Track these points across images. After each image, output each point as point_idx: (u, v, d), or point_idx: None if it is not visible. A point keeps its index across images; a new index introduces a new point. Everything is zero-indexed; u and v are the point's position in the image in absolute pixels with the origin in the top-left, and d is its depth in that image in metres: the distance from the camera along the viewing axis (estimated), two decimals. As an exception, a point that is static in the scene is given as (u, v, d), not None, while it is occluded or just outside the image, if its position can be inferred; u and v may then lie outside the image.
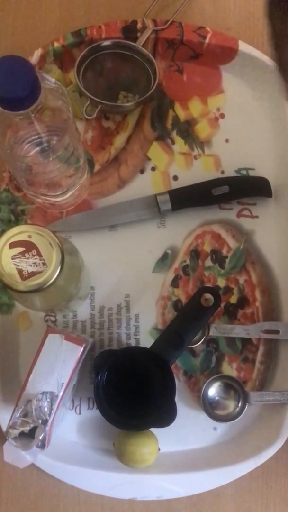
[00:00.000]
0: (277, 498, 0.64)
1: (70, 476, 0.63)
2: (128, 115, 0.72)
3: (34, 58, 0.70)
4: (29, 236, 0.48)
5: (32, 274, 0.47)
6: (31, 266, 0.47)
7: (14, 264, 0.47)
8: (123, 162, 0.71)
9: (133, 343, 0.67)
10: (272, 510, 0.64)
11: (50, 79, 0.51)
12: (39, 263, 0.47)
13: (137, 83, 0.71)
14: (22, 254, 0.47)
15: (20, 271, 0.47)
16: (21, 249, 0.47)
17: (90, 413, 0.66)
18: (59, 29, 0.74)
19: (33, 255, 0.47)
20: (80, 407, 0.66)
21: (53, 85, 0.51)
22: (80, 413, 0.66)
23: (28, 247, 0.47)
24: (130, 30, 0.71)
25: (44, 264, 0.47)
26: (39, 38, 0.74)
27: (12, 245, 0.47)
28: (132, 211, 0.68)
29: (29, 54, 0.70)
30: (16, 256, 0.47)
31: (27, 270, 0.47)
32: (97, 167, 0.71)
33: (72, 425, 0.65)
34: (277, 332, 0.65)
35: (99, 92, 0.69)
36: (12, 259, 0.47)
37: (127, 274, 0.68)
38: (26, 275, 0.47)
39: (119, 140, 0.71)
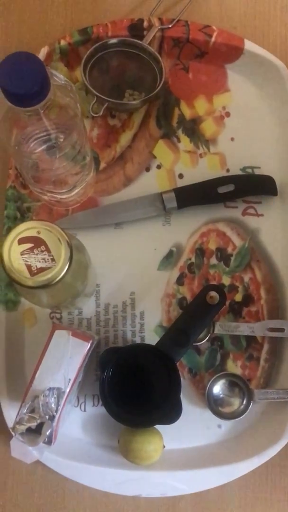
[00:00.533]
0: (281, 496, 0.65)
1: (75, 473, 0.63)
2: (134, 113, 0.72)
3: (40, 56, 0.70)
4: (38, 232, 0.48)
5: (41, 270, 0.47)
6: (39, 262, 0.47)
7: (23, 260, 0.47)
8: (129, 160, 0.71)
9: (138, 340, 0.67)
10: (276, 508, 0.64)
11: (59, 75, 0.51)
12: (47, 259, 0.47)
13: (143, 81, 0.71)
14: (31, 250, 0.47)
15: (28, 267, 0.47)
16: (30, 245, 0.47)
17: (95, 410, 0.66)
18: (65, 27, 0.74)
19: (42, 251, 0.47)
20: (85, 404, 0.66)
21: (62, 82, 0.51)
22: (85, 410, 0.66)
23: (37, 243, 0.47)
24: (136, 28, 0.71)
25: (52, 260, 0.47)
26: (45, 36, 0.74)
27: (21, 241, 0.47)
28: (138, 209, 0.68)
29: (35, 51, 0.70)
30: (25, 252, 0.47)
31: (36, 266, 0.47)
32: (102, 165, 0.71)
33: (77, 422, 0.66)
34: (282, 330, 0.65)
35: (105, 90, 0.69)
36: (21, 254, 0.47)
37: (132, 272, 0.68)
38: (35, 271, 0.47)
39: (125, 138, 0.71)
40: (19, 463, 0.63)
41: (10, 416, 0.62)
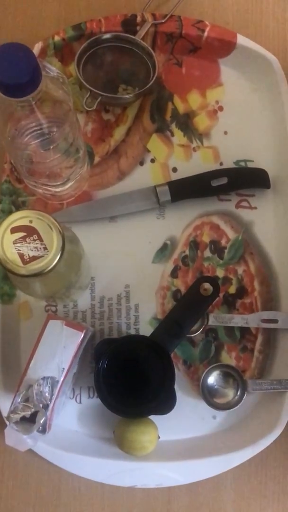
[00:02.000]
0: (274, 486, 0.65)
1: (71, 464, 0.63)
2: (127, 107, 0.72)
3: (34, 51, 0.69)
4: (30, 221, 0.48)
5: (34, 259, 0.47)
6: (32, 250, 0.47)
7: (16, 248, 0.47)
8: (123, 154, 0.71)
9: (132, 332, 0.67)
10: (270, 498, 0.65)
11: (51, 67, 0.51)
12: (40, 248, 0.47)
13: (136, 76, 0.72)
14: (23, 238, 0.48)
15: (21, 256, 0.47)
16: (22, 234, 0.48)
17: (91, 402, 0.66)
18: (59, 23, 0.75)
19: (34, 240, 0.48)
20: (80, 396, 0.66)
21: (54, 73, 0.52)
22: (80, 402, 0.66)
23: (29, 231, 0.48)
24: (130, 24, 0.71)
25: (45, 248, 0.48)
26: (39, 31, 0.74)
27: (14, 230, 0.48)
28: (132, 203, 0.69)
29: (29, 47, 0.70)
30: (18, 241, 0.47)
31: (29, 255, 0.47)
32: (97, 159, 0.71)
33: (72, 414, 0.66)
34: (275, 321, 0.66)
35: (99, 84, 0.70)
36: (14, 244, 0.47)
37: (127, 265, 0.69)
38: (28, 260, 0.47)
39: (119, 132, 0.72)
40: (15, 454, 0.64)
41: (5, 407, 0.63)
